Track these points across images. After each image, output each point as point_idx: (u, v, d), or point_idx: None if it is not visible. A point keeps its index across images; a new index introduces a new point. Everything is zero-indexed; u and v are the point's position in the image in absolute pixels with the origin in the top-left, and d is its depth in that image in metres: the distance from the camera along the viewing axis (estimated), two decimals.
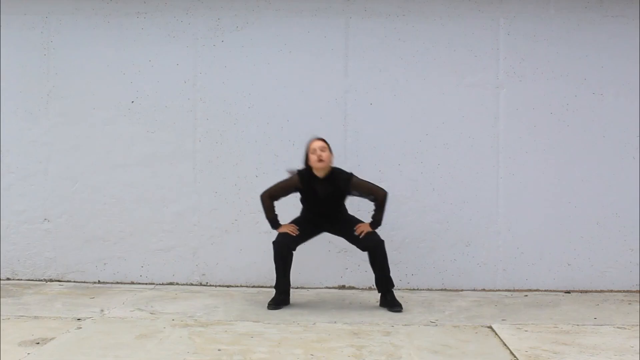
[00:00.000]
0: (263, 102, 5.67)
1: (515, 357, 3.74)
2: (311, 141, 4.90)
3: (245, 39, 5.67)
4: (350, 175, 4.88)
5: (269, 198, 4.93)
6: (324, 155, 4.79)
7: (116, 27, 5.71)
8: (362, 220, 4.99)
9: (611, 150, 5.60)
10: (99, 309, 4.78)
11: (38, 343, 3.89)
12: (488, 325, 4.44)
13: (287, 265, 4.92)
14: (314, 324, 4.42)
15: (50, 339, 3.97)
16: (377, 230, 4.90)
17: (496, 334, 4.22)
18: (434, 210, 5.63)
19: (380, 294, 4.98)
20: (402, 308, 4.82)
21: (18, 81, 5.73)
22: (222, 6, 5.67)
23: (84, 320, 4.44)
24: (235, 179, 5.68)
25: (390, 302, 4.88)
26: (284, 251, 4.88)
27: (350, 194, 4.94)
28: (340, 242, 5.56)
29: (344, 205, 5.03)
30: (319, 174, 4.86)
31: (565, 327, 4.42)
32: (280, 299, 4.91)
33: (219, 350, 3.79)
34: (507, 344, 3.97)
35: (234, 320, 4.48)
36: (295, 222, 5.00)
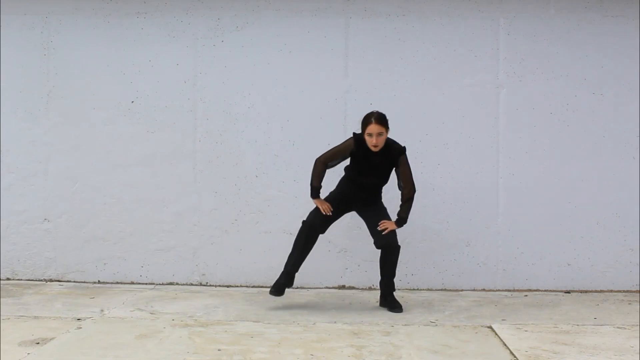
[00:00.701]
0: (263, 102, 5.67)
1: (515, 357, 3.74)
2: (370, 120, 4.72)
3: (245, 39, 5.67)
4: (403, 149, 4.82)
5: (323, 164, 4.82)
6: (380, 140, 4.71)
7: (116, 27, 5.71)
8: (391, 217, 4.93)
9: (611, 150, 5.60)
10: (99, 309, 4.78)
11: (38, 343, 3.89)
12: (488, 325, 4.44)
13: (308, 249, 4.88)
14: (314, 324, 4.42)
15: (50, 339, 3.97)
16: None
17: (496, 334, 4.22)
18: (434, 210, 5.63)
19: (381, 294, 4.97)
20: (402, 309, 4.82)
21: (18, 81, 5.73)
22: (222, 6, 5.68)
23: (84, 320, 4.44)
24: (235, 179, 5.68)
25: (390, 303, 4.87)
26: (312, 233, 4.84)
27: (397, 168, 4.85)
28: (340, 241, 5.58)
29: (383, 184, 4.95)
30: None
31: (565, 327, 4.42)
32: (285, 282, 4.85)
33: (219, 350, 3.79)
34: (507, 344, 3.97)
35: (234, 320, 4.48)
36: (329, 199, 4.91)
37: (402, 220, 4.84)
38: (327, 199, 4.91)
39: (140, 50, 5.70)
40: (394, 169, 4.87)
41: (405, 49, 5.64)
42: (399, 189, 4.88)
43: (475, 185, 5.62)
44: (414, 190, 4.83)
